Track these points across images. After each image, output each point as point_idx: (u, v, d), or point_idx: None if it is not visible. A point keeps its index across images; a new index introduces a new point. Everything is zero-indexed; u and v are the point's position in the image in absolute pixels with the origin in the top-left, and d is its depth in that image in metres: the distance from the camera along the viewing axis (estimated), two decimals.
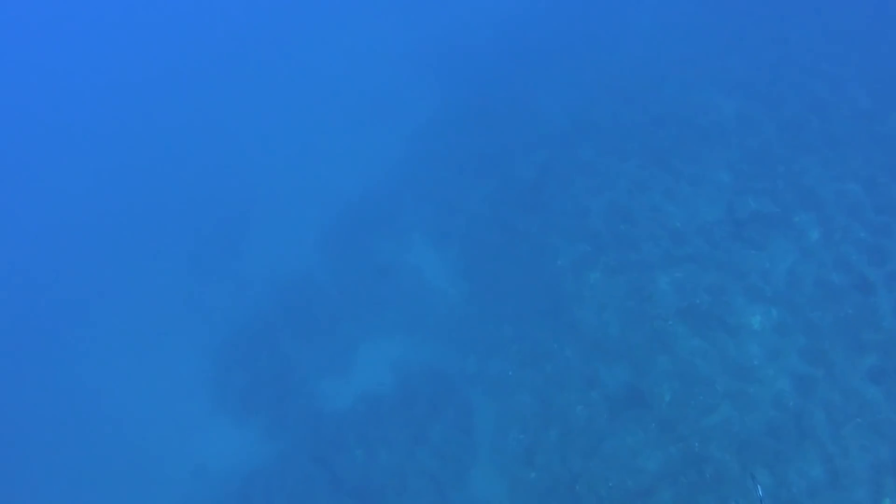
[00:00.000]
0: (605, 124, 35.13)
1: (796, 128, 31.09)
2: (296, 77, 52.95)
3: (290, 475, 29.28)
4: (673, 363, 25.66)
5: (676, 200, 29.81)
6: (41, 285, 45.01)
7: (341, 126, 46.12)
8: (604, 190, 31.89)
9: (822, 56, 34.46)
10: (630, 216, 30.19)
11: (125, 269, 43.02)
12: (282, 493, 29.10)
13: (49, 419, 38.07)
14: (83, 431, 37.45)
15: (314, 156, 44.60)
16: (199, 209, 44.24)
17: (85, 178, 51.24)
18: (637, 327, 27.08)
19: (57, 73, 64.61)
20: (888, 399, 23.48)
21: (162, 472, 34.71)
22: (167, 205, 45.77)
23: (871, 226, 27.14)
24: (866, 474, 22.38)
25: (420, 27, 52.20)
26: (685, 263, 27.85)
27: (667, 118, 33.64)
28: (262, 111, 50.94)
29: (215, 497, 31.48)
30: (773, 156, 30.12)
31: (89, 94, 59.66)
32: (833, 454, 22.77)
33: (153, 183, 48.09)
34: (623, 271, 28.92)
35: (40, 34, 69.79)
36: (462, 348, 30.18)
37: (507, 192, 34.84)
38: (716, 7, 40.03)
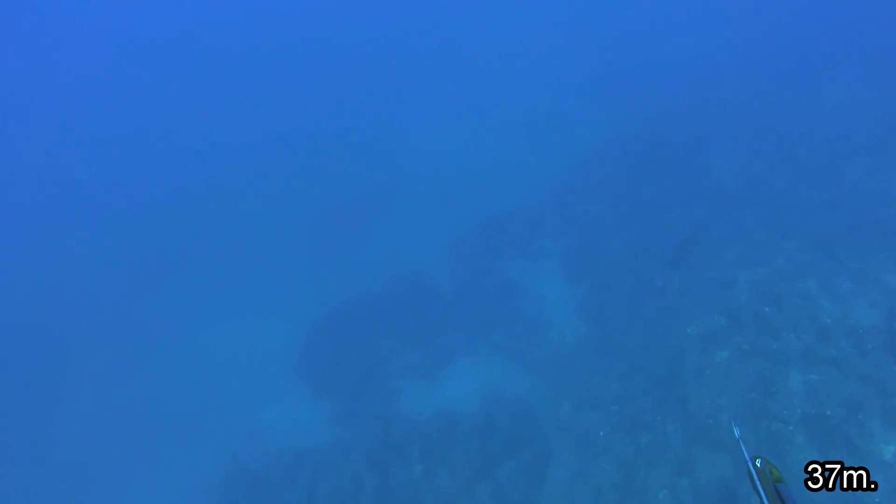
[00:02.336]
0: (774, 196, 31.90)
1: None
2: (473, 78, 52.12)
3: (342, 469, 27.93)
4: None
5: (833, 294, 26.32)
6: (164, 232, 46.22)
7: (504, 137, 44.82)
8: (757, 265, 28.72)
9: None
10: (778, 300, 26.91)
11: (249, 228, 43.23)
12: (328, 484, 27.79)
13: (133, 352, 38.78)
14: (157, 365, 38.07)
15: (468, 158, 43.44)
16: (340, 182, 43.90)
17: (238, 138, 52.23)
18: (752, 423, 23.97)
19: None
20: None
21: (221, 423, 34.79)
22: (310, 172, 45.74)
23: None
24: None
25: (605, 58, 50.27)
26: (825, 366, 24.36)
27: (842, 202, 29.90)
28: (428, 104, 50.33)
29: (261, 465, 30.84)
30: None
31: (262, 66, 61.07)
32: None
33: (302, 148, 48.29)
34: (755, 357, 25.69)
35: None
36: (560, 393, 27.70)
37: (654, 242, 32.24)
38: None
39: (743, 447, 4.36)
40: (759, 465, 4.08)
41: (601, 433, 25.40)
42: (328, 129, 50.41)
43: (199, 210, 47.77)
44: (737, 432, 4.61)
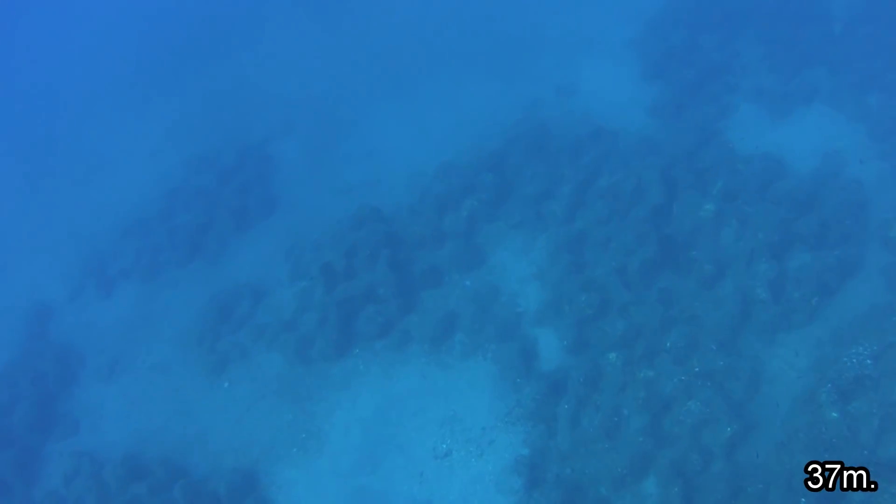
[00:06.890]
0: None
1: None
2: None
3: (630, 163, 25.50)
4: None
5: None
6: None
7: None
8: None
9: None
10: None
11: None
12: (610, 173, 25.83)
13: None
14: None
15: None
16: None
17: None
18: None
19: None
20: None
21: (537, 66, 33.72)
22: None
23: None
24: None
25: None
26: None
27: None
28: None
29: (555, 123, 29.07)
30: None
31: None
32: None
33: None
34: None
35: None
36: None
37: None
38: None
39: None
40: None
41: None
42: None
43: None
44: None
